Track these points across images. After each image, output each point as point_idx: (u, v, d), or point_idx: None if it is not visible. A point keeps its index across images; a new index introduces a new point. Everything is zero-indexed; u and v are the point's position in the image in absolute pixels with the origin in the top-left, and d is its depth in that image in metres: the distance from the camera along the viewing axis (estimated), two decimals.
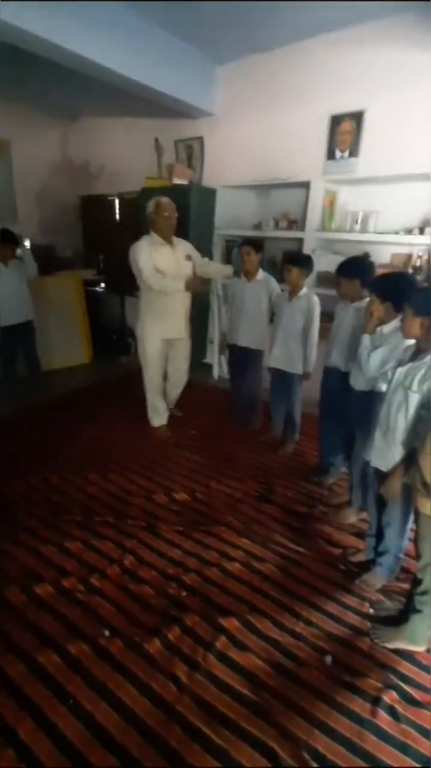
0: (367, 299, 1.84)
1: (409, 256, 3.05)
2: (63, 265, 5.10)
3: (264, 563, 1.95)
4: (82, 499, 2.37)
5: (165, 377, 3.15)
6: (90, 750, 1.22)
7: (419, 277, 2.88)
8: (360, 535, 2.11)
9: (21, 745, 1.23)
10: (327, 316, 2.48)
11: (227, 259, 3.89)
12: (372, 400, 1.85)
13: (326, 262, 3.27)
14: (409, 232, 2.96)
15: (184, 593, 1.77)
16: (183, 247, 2.90)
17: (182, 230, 2.98)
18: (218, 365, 4.22)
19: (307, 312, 2.61)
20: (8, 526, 2.12)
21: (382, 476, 1.62)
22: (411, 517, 1.64)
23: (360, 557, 1.99)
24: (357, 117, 3.14)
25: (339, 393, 2.18)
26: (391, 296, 1.71)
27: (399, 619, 1.62)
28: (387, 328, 1.76)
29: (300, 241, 3.44)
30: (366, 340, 1.77)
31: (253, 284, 2.88)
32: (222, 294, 3.87)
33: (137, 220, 4.00)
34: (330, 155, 3.32)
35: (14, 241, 3.42)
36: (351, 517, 2.25)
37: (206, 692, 1.39)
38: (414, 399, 1.46)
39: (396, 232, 3.00)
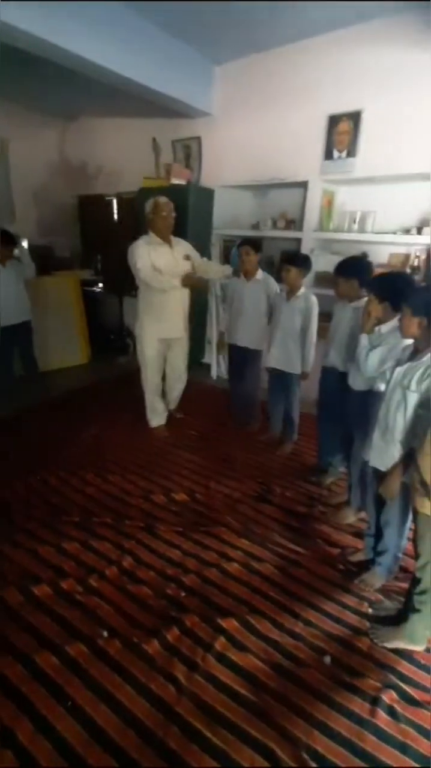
0: (365, 299, 1.84)
1: (407, 256, 3.06)
2: (61, 265, 5.09)
3: (263, 563, 1.94)
4: (80, 500, 2.36)
5: (163, 377, 3.15)
6: (89, 751, 1.22)
7: (417, 277, 2.89)
8: (359, 534, 2.11)
9: (19, 746, 1.22)
10: (325, 316, 2.49)
11: (226, 259, 3.89)
12: (370, 399, 1.85)
13: (324, 262, 3.27)
14: (407, 232, 2.96)
15: (183, 594, 1.77)
16: (182, 247, 2.90)
17: (180, 230, 2.98)
18: (217, 365, 4.22)
19: (305, 312, 2.61)
20: (6, 528, 2.11)
21: (381, 476, 1.62)
22: (410, 517, 1.64)
23: (358, 557, 1.99)
24: (355, 117, 3.15)
25: (338, 393, 2.18)
26: (389, 296, 1.71)
27: (398, 619, 1.62)
28: (385, 328, 1.76)
29: (298, 241, 3.44)
30: (364, 339, 1.77)
31: (252, 284, 2.88)
32: (220, 294, 3.87)
33: (135, 220, 4.00)
34: (328, 155, 3.33)
35: (12, 241, 3.41)
36: (350, 516, 2.25)
37: (205, 693, 1.39)
38: (413, 398, 1.46)
39: (394, 232, 3.01)
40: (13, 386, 3.66)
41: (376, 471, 1.68)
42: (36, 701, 1.34)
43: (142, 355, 2.95)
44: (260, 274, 2.87)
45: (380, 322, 1.77)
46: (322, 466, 2.63)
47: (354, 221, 3.19)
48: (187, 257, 2.88)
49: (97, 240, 5.31)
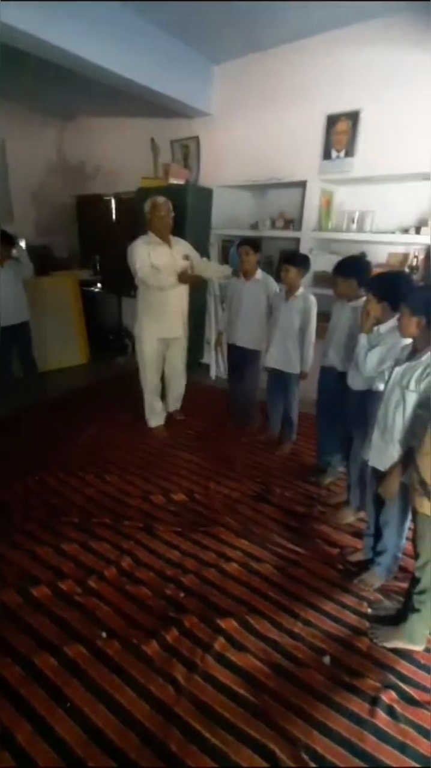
0: (364, 298, 1.84)
1: (406, 256, 3.06)
2: (59, 265, 5.08)
3: (262, 564, 1.94)
4: (79, 501, 2.35)
5: (162, 377, 3.14)
6: (88, 753, 1.22)
7: (415, 277, 2.89)
8: (358, 534, 2.11)
9: (18, 748, 1.22)
10: (324, 316, 2.49)
11: (224, 259, 3.89)
12: (369, 399, 1.85)
13: (323, 262, 3.27)
14: (405, 231, 2.96)
15: (182, 594, 1.77)
16: (181, 246, 2.89)
17: (178, 230, 2.98)
18: (216, 365, 4.22)
19: (304, 311, 2.61)
20: (5, 528, 2.11)
21: (380, 476, 1.62)
22: (409, 516, 1.64)
23: (358, 557, 1.99)
24: (353, 117, 3.15)
25: (337, 393, 2.17)
26: (388, 295, 1.71)
27: (397, 619, 1.62)
28: (383, 328, 1.76)
29: (297, 240, 3.44)
30: (363, 339, 1.77)
31: (251, 284, 2.87)
32: (219, 294, 3.86)
33: (133, 220, 4.00)
34: (326, 155, 3.33)
35: (10, 241, 3.41)
36: (349, 516, 2.25)
37: (204, 694, 1.38)
38: (412, 398, 1.46)
39: (393, 232, 3.01)
40: (11, 386, 3.65)
41: (375, 471, 1.68)
42: (35, 703, 1.34)
43: (141, 354, 2.95)
44: (259, 273, 2.87)
45: (379, 321, 1.77)
46: (321, 466, 2.63)
47: (353, 221, 3.18)
48: (186, 257, 2.88)
49: (95, 240, 5.31)
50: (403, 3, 2.67)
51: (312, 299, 2.61)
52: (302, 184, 3.37)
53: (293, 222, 3.57)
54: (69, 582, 1.79)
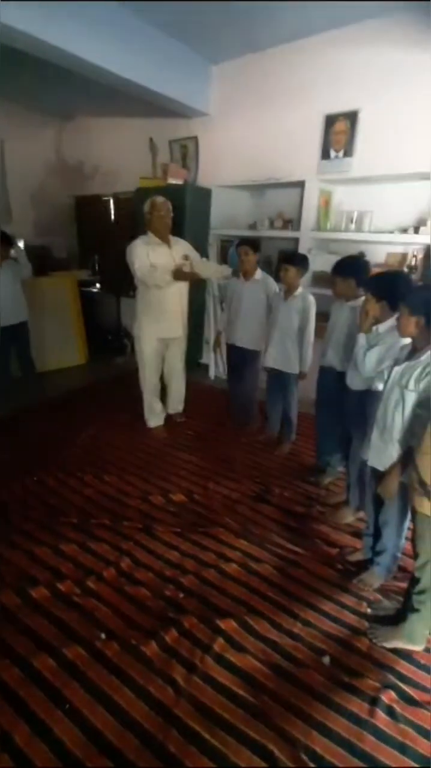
0: (362, 298, 1.84)
1: (404, 256, 3.06)
2: (58, 265, 5.08)
3: (262, 564, 1.94)
4: (77, 501, 2.35)
5: (162, 377, 3.14)
6: (87, 755, 1.21)
7: (414, 276, 2.89)
8: (358, 534, 2.11)
9: (16, 750, 1.21)
10: (323, 316, 2.49)
11: (223, 259, 3.88)
12: (368, 399, 1.84)
13: (321, 262, 3.27)
14: (404, 231, 2.96)
15: (181, 595, 1.76)
16: (181, 246, 2.89)
17: (177, 230, 2.98)
18: (214, 365, 4.22)
19: (303, 311, 2.61)
20: (3, 529, 2.10)
21: (379, 475, 1.62)
22: (409, 516, 1.64)
23: (357, 557, 1.98)
24: (352, 117, 3.14)
25: (336, 392, 2.17)
26: (387, 295, 1.71)
27: (397, 619, 1.62)
28: (382, 327, 1.76)
29: (296, 240, 3.44)
30: (361, 339, 1.77)
31: (251, 284, 2.87)
32: (218, 294, 3.86)
33: (132, 221, 3.99)
34: (325, 155, 3.33)
35: (9, 241, 3.40)
36: (348, 516, 2.25)
37: (203, 695, 1.38)
38: (411, 398, 1.46)
39: (391, 232, 3.01)
40: (10, 387, 3.64)
41: (374, 470, 1.67)
42: (33, 704, 1.33)
43: (140, 355, 2.95)
44: (259, 274, 2.86)
45: (377, 321, 1.77)
46: (320, 466, 2.63)
47: (351, 221, 3.18)
48: (186, 257, 2.88)
49: (94, 240, 5.31)
50: (401, 3, 2.67)
51: (311, 299, 2.61)
52: (300, 184, 3.37)
53: (292, 222, 3.57)
54: (68, 583, 1.78)
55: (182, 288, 2.88)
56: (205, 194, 3.96)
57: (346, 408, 2.07)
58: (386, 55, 2.93)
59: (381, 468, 1.61)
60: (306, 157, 3.39)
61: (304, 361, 2.68)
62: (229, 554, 1.99)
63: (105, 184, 5.02)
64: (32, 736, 1.25)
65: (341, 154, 3.25)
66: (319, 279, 3.26)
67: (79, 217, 5.46)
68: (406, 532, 1.72)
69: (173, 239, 2.85)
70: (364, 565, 1.91)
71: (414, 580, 1.50)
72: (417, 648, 1.55)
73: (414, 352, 1.49)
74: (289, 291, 2.64)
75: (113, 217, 5.02)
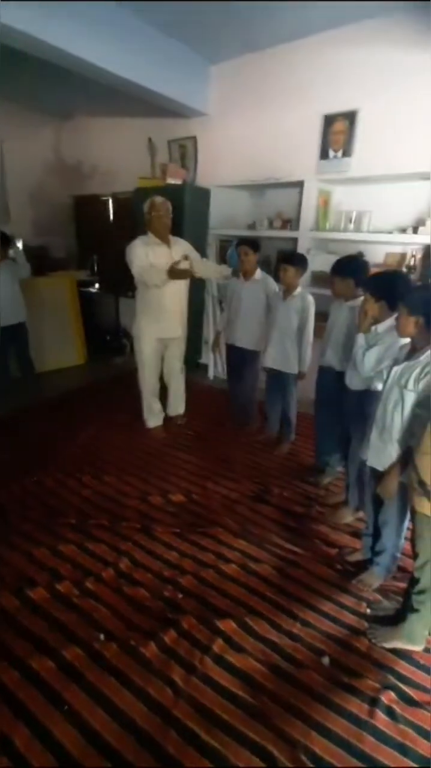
0: (361, 298, 1.83)
1: (403, 255, 3.06)
2: (56, 265, 5.08)
3: (261, 564, 1.94)
4: (76, 502, 2.34)
5: (161, 377, 3.13)
6: (86, 756, 1.21)
7: (413, 276, 2.89)
8: (357, 534, 2.11)
9: (15, 752, 1.21)
10: (322, 316, 2.48)
11: (222, 259, 3.88)
12: (367, 399, 1.84)
13: (320, 262, 3.27)
14: (403, 231, 2.96)
15: (180, 596, 1.76)
16: (181, 247, 2.88)
17: (176, 230, 2.97)
18: (214, 365, 4.21)
19: (302, 311, 2.61)
20: (1, 530, 2.10)
21: (378, 475, 1.62)
22: (408, 516, 1.64)
23: (356, 557, 1.98)
24: (351, 117, 3.14)
25: (335, 392, 2.17)
26: (386, 295, 1.71)
27: (396, 619, 1.62)
28: (381, 327, 1.76)
29: (294, 240, 3.43)
30: (360, 339, 1.77)
31: (251, 284, 2.86)
32: (217, 294, 3.86)
33: (130, 221, 3.99)
34: (324, 155, 3.32)
35: (7, 241, 3.40)
36: (348, 516, 2.25)
37: (202, 696, 1.38)
38: (410, 398, 1.45)
39: (390, 232, 3.01)
40: (8, 387, 3.64)
41: (374, 470, 1.67)
42: (32, 706, 1.33)
43: (140, 355, 2.94)
44: (258, 273, 2.86)
45: (376, 321, 1.76)
46: (320, 466, 2.62)
47: (350, 221, 3.18)
48: (185, 257, 2.87)
49: (92, 240, 5.30)
50: (400, 3, 2.67)
51: (310, 299, 2.61)
52: (299, 184, 3.37)
53: (291, 222, 3.56)
54: (66, 584, 1.78)
55: (181, 288, 2.87)
56: (204, 194, 3.95)
57: (345, 408, 2.07)
58: (385, 55, 2.93)
59: (380, 468, 1.60)
60: (305, 156, 3.39)
61: (303, 361, 2.68)
62: (228, 554, 1.99)
63: (104, 183, 5.01)
64: (31, 738, 1.24)
65: (340, 154, 3.25)
66: (318, 279, 3.26)
67: (77, 217, 5.45)
68: (405, 532, 1.72)
69: (173, 239, 2.85)
70: (363, 566, 1.91)
71: (414, 581, 1.50)
72: (417, 648, 1.55)
73: (413, 352, 1.49)
74: (288, 291, 2.64)
75: (111, 217, 5.02)
